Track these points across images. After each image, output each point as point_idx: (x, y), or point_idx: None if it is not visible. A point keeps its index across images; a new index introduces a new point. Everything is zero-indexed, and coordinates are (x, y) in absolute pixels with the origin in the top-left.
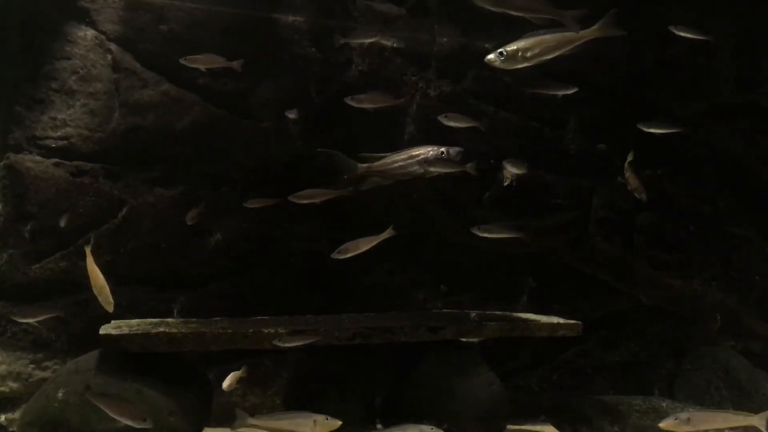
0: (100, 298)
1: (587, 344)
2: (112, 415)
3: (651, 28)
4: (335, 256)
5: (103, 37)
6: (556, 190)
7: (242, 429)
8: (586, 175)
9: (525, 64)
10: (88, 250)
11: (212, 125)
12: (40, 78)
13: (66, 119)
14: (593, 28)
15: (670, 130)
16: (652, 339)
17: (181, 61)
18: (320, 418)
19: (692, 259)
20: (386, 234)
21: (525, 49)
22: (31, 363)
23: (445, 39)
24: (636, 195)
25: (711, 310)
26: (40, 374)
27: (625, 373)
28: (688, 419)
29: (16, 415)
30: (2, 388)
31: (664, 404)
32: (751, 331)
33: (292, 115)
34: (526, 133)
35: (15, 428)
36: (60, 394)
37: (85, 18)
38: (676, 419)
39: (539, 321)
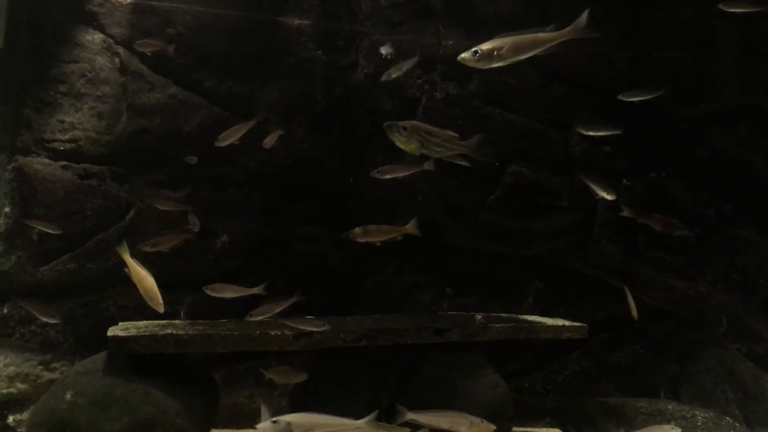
0: (149, 301)
1: (592, 346)
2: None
3: (655, 30)
4: (249, 319)
5: (111, 40)
6: (560, 193)
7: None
8: (588, 176)
9: (500, 64)
10: (126, 255)
11: (218, 128)
12: (48, 81)
13: (74, 122)
14: (568, 29)
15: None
16: (656, 341)
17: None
18: (476, 419)
19: (696, 262)
20: (293, 299)
21: (500, 48)
22: (39, 364)
23: (450, 41)
24: (676, 232)
25: (716, 312)
26: (48, 375)
27: (630, 376)
28: (288, 423)
29: (25, 416)
30: (11, 390)
31: (669, 407)
32: (756, 334)
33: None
34: (531, 135)
35: (23, 429)
36: (68, 396)
37: (93, 22)
38: (274, 422)
39: (544, 323)
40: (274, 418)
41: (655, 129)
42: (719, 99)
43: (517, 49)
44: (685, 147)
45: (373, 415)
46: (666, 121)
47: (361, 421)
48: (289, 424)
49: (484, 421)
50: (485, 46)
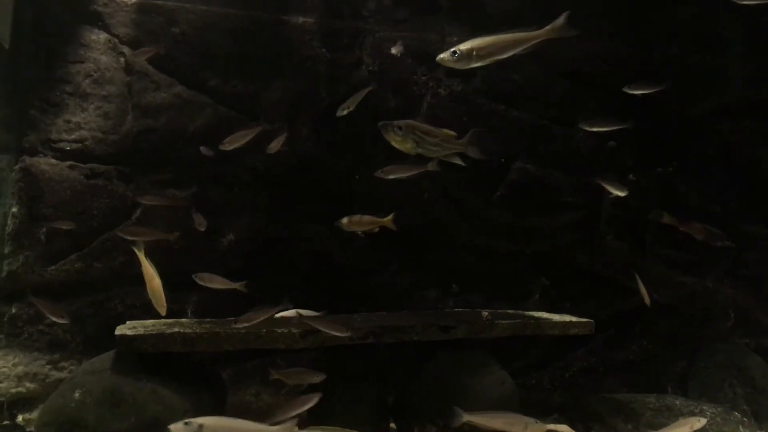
0: (154, 301)
1: (599, 343)
2: None
3: (659, 26)
4: (235, 326)
5: (116, 40)
6: (566, 189)
7: None
8: (596, 173)
9: (479, 63)
10: (141, 253)
11: (223, 127)
12: (54, 81)
13: (80, 122)
14: (546, 28)
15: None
16: (664, 337)
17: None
18: (530, 420)
19: (704, 257)
20: (281, 307)
21: (479, 48)
22: (47, 364)
23: (454, 38)
24: (717, 243)
25: (723, 307)
26: (56, 375)
27: (638, 372)
28: (201, 425)
29: (34, 415)
30: (19, 389)
31: (677, 402)
32: (764, 328)
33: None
34: (535, 131)
35: (32, 428)
36: (76, 395)
37: (98, 21)
38: (186, 423)
39: (551, 319)
40: (187, 420)
41: (661, 125)
42: (725, 94)
43: (496, 48)
44: (691, 143)
45: (290, 423)
46: (672, 116)
47: (276, 427)
48: (201, 426)
49: (538, 421)
50: (464, 47)
